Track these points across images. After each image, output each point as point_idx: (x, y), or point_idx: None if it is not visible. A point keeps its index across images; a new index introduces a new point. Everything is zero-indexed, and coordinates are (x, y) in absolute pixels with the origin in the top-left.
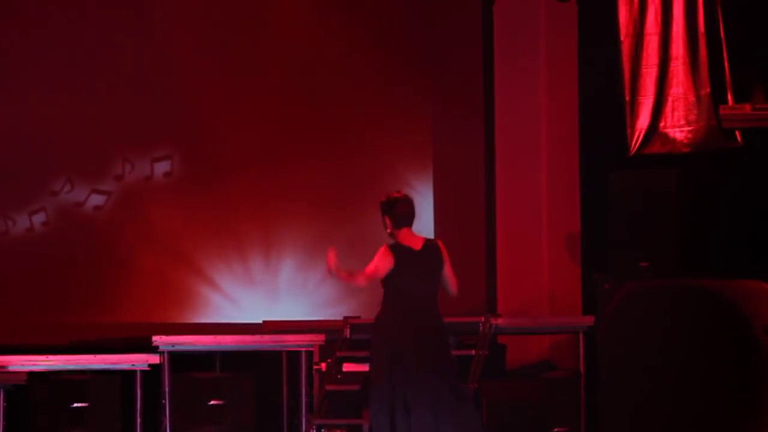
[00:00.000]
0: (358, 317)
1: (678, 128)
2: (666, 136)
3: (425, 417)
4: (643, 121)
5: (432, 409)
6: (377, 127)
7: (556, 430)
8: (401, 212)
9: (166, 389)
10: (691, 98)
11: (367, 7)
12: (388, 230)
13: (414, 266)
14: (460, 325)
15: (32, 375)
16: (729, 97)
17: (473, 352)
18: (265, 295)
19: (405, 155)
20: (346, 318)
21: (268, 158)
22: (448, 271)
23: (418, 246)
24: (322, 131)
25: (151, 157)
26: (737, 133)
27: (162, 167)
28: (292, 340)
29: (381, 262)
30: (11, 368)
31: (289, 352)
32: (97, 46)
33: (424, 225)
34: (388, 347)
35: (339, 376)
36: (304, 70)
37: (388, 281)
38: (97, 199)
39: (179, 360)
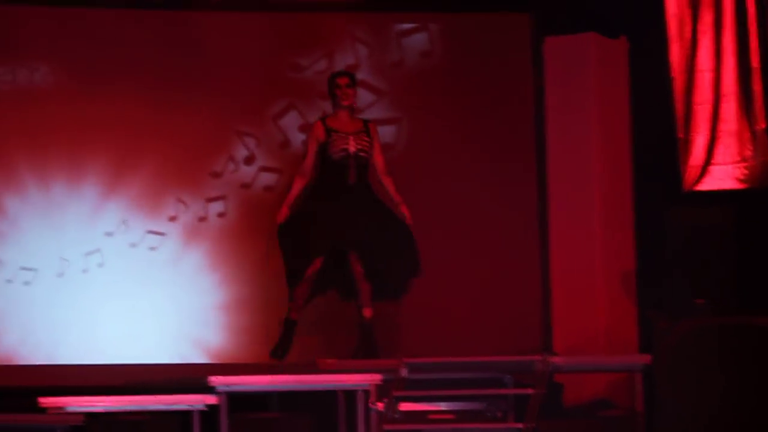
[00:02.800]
0: (415, 357)
1: (733, 164)
2: (721, 172)
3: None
4: (697, 157)
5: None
6: None
7: None
8: None
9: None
10: (746, 134)
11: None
12: (354, 103)
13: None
14: (517, 364)
15: (89, 416)
16: None
17: (530, 391)
18: (310, 331)
19: None
20: (401, 358)
21: None
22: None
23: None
24: None
25: (206, 197)
26: None
27: (216, 208)
28: (348, 380)
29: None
30: (69, 409)
31: (345, 392)
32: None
33: None
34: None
35: (396, 416)
36: None
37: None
38: (152, 240)
39: (234, 399)
